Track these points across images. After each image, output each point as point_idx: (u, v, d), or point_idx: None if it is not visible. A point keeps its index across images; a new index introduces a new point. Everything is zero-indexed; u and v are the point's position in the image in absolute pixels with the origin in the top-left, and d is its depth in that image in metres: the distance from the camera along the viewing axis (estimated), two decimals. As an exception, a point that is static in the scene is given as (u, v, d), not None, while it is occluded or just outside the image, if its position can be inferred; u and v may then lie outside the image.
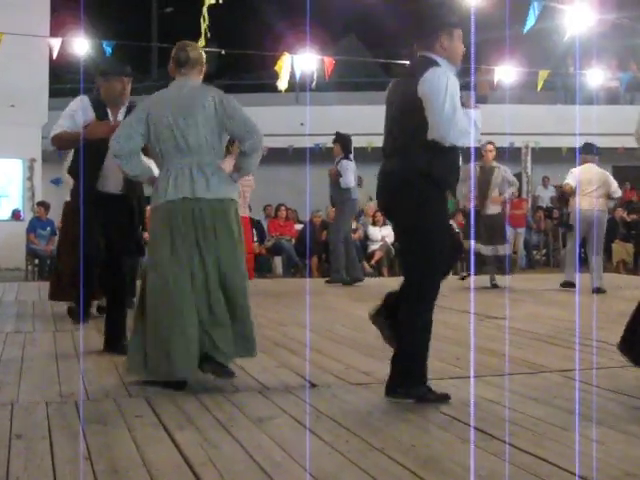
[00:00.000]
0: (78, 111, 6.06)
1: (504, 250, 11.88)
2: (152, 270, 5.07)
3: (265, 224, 17.91)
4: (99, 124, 5.95)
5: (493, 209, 11.82)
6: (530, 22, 12.16)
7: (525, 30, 12.39)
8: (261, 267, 16.01)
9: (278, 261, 17.19)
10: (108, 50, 13.51)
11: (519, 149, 21.30)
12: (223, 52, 15.09)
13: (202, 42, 11.79)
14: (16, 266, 16.40)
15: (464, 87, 4.64)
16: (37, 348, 6.51)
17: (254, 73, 25.71)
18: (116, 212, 6.09)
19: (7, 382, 5.20)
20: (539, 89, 16.19)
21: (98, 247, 6.14)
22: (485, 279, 11.81)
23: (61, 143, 6.18)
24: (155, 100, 5.26)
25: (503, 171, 11.81)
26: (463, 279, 12.07)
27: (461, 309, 9.03)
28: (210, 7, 11.23)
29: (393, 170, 4.70)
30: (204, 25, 11.49)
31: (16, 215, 17.84)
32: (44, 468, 3.46)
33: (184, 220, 4.96)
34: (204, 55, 5.36)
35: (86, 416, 4.32)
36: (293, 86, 15.13)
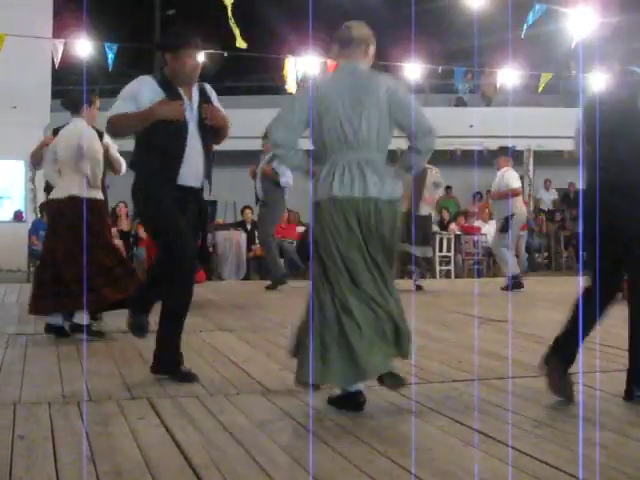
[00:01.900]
0: (143, 90, 5.16)
1: (430, 252, 12.10)
2: (323, 275, 4.55)
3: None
4: (171, 103, 5.11)
5: (425, 210, 11.89)
6: (528, 23, 12.19)
7: (523, 34, 12.41)
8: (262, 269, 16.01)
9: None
10: (110, 52, 13.52)
11: (521, 152, 21.29)
12: (226, 54, 15.07)
13: (241, 44, 11.80)
14: (18, 267, 16.40)
15: None
16: (39, 349, 6.51)
17: (256, 75, 25.73)
18: (193, 209, 5.34)
19: (10, 383, 5.20)
20: (540, 91, 16.19)
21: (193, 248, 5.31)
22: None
23: (122, 127, 5.21)
24: (323, 85, 4.72)
25: (435, 172, 11.81)
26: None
27: (463, 312, 9.05)
28: (213, 10, 11.22)
29: (621, 183, 4.68)
30: (235, 26, 11.47)
31: (18, 216, 17.86)
32: (47, 469, 3.46)
33: (351, 219, 4.49)
34: (370, 33, 4.80)
35: (89, 417, 4.32)
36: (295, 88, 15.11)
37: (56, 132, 7.47)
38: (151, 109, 5.04)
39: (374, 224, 4.49)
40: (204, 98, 5.32)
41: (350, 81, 4.62)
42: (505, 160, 12.34)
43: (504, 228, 12.12)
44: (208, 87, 5.43)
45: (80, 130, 7.04)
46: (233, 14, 11.15)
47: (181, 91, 5.22)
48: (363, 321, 4.41)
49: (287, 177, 11.87)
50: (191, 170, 5.19)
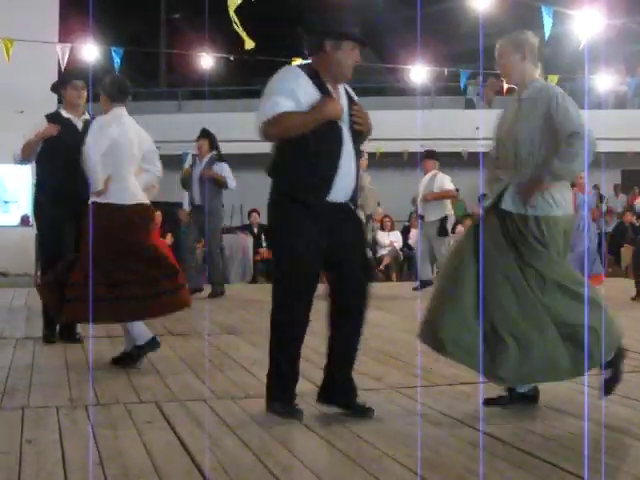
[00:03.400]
0: (300, 86, 4.34)
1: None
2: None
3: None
4: (334, 103, 4.37)
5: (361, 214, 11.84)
6: (548, 27, 12.16)
7: (546, 37, 12.38)
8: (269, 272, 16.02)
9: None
10: (117, 56, 13.56)
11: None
12: (232, 58, 15.11)
13: (250, 45, 11.77)
14: (25, 272, 16.42)
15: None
16: (47, 353, 6.51)
17: (263, 78, 25.72)
18: (349, 229, 4.57)
19: (18, 387, 5.21)
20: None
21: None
22: None
23: (287, 128, 4.32)
24: None
25: (367, 177, 11.80)
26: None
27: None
28: (219, 14, 11.25)
29: None
30: (241, 30, 11.46)
31: (25, 221, 17.88)
32: (55, 473, 3.47)
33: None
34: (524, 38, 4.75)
35: (97, 421, 4.33)
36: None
37: (53, 119, 6.99)
38: (320, 109, 4.31)
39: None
40: (351, 98, 4.60)
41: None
42: (432, 163, 12.40)
43: (443, 231, 12.18)
44: (348, 87, 4.69)
45: (134, 122, 6.30)
46: (237, 15, 11.14)
47: (330, 88, 4.46)
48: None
49: (232, 180, 11.54)
50: (346, 182, 4.43)
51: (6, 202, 18.28)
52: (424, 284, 11.89)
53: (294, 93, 4.29)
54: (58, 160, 6.82)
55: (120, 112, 6.15)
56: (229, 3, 10.60)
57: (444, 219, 12.15)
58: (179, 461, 3.66)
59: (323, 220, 4.38)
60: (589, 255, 11.92)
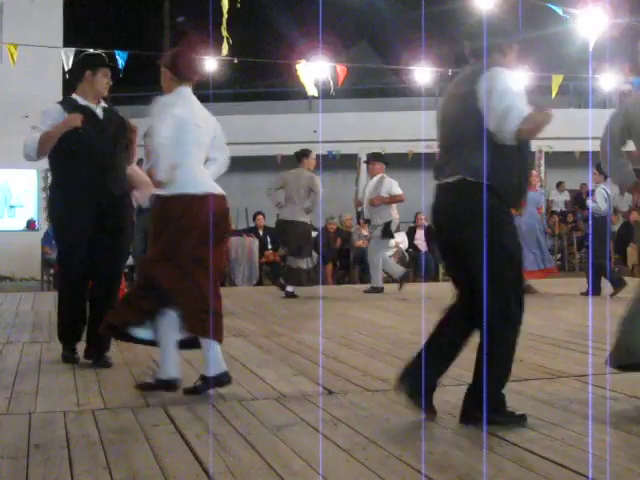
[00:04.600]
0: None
1: (303, 264, 11.97)
2: None
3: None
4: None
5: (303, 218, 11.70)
6: (559, 18, 12.16)
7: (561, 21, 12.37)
8: (276, 274, 16.03)
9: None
10: (121, 59, 13.57)
11: (533, 153, 21.28)
12: (236, 60, 15.11)
13: (224, 51, 11.80)
14: (31, 276, 16.46)
15: None
16: (53, 358, 6.51)
17: (267, 81, 25.77)
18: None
19: (24, 392, 5.22)
20: (554, 95, 16.15)
21: None
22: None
23: (538, 128, 4.28)
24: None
25: (310, 178, 11.70)
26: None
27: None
28: (223, 15, 11.26)
29: None
30: (226, 34, 11.48)
31: (31, 225, 17.93)
32: (63, 478, 3.48)
33: None
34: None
35: (104, 426, 4.33)
36: (306, 94, 15.18)
37: (71, 107, 6.11)
38: (544, 109, 4.37)
39: None
40: None
41: None
42: (380, 166, 12.40)
43: (387, 234, 12.20)
44: None
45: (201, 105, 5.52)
46: (228, 17, 11.18)
47: None
48: None
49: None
50: None
51: (12, 206, 18.33)
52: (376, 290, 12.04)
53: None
54: (81, 154, 6.02)
55: (186, 92, 5.33)
56: (223, 6, 10.66)
57: (389, 223, 12.19)
58: (186, 464, 3.66)
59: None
60: (541, 249, 12.02)
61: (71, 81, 6.73)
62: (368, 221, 12.19)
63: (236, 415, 4.56)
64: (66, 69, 13.50)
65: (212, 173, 5.36)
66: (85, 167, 6.03)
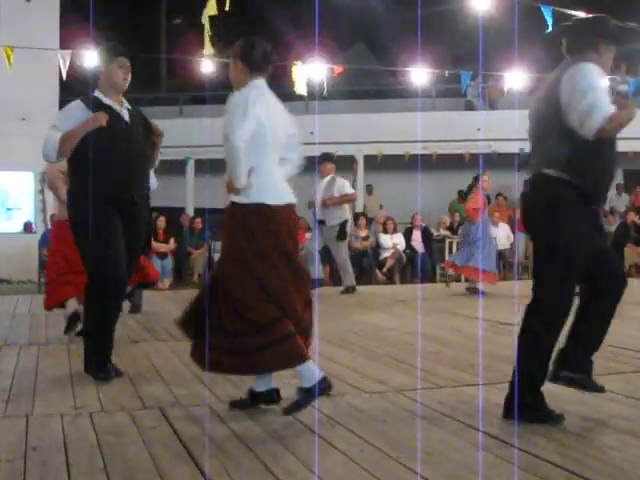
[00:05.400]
0: None
1: None
2: None
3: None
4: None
5: None
6: (549, 25, 12.18)
7: (547, 35, 12.40)
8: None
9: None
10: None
11: (529, 155, 21.27)
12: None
13: (207, 51, 11.80)
14: (29, 278, 16.45)
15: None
16: (51, 360, 6.51)
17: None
18: None
19: (22, 394, 5.21)
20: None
21: None
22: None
23: (619, 127, 4.38)
24: None
25: None
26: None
27: (473, 316, 9.05)
28: (217, 16, 11.27)
29: None
30: (208, 35, 11.49)
31: (28, 227, 17.92)
32: (60, 480, 3.48)
33: None
34: None
35: (101, 428, 4.33)
36: (302, 95, 15.18)
37: (93, 105, 5.63)
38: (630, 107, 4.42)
39: None
40: None
41: None
42: (331, 167, 12.40)
43: (342, 235, 12.25)
44: None
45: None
46: (209, 22, 11.19)
47: None
48: None
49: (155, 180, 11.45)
50: None
51: (9, 209, 18.32)
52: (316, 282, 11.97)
53: None
54: (108, 159, 5.55)
55: (263, 86, 4.75)
56: (206, 9, 10.69)
57: (344, 223, 12.23)
58: (183, 466, 3.66)
59: None
60: (491, 251, 12.10)
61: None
62: (322, 222, 12.16)
63: (233, 417, 4.56)
64: (63, 72, 13.50)
65: (284, 175, 4.83)
66: (112, 173, 5.57)
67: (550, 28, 12.23)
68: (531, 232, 4.54)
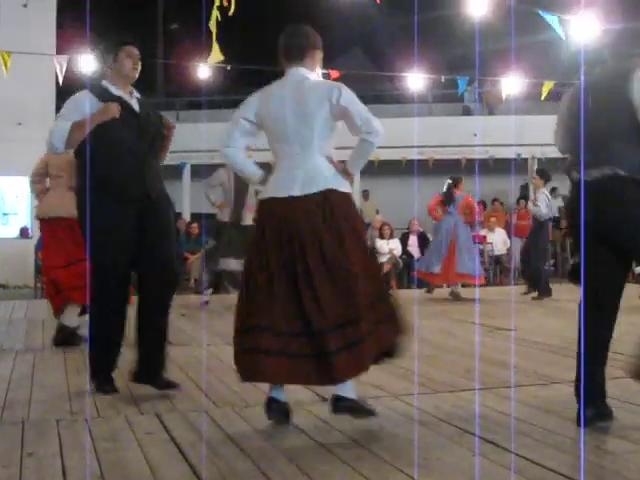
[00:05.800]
0: None
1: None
2: None
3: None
4: None
5: (249, 219, 10.23)
6: (558, 30, 12.18)
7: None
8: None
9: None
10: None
11: (526, 160, 21.31)
12: (229, 67, 15.13)
13: (214, 58, 11.79)
14: (25, 284, 16.43)
15: None
16: (47, 365, 6.51)
17: (259, 88, 25.73)
18: None
19: (18, 400, 5.20)
20: (543, 98, 16.19)
21: None
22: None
23: None
24: None
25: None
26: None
27: (470, 321, 9.05)
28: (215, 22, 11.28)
29: None
30: (216, 41, 11.49)
31: (24, 233, 17.89)
32: (56, 486, 3.47)
33: None
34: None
35: (97, 433, 4.32)
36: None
37: (103, 96, 5.36)
38: None
39: None
40: None
41: None
42: None
43: None
44: None
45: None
46: (216, 27, 11.18)
47: None
48: None
49: None
50: None
51: (5, 214, 18.29)
52: None
53: None
54: (119, 153, 5.32)
55: (299, 73, 4.69)
56: (211, 15, 10.68)
57: None
58: (180, 472, 3.65)
59: None
60: (469, 253, 12.14)
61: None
62: None
63: (229, 422, 4.55)
64: (60, 77, 13.49)
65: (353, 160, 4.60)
66: (124, 168, 5.32)
67: (558, 31, 12.23)
68: (609, 230, 4.37)
